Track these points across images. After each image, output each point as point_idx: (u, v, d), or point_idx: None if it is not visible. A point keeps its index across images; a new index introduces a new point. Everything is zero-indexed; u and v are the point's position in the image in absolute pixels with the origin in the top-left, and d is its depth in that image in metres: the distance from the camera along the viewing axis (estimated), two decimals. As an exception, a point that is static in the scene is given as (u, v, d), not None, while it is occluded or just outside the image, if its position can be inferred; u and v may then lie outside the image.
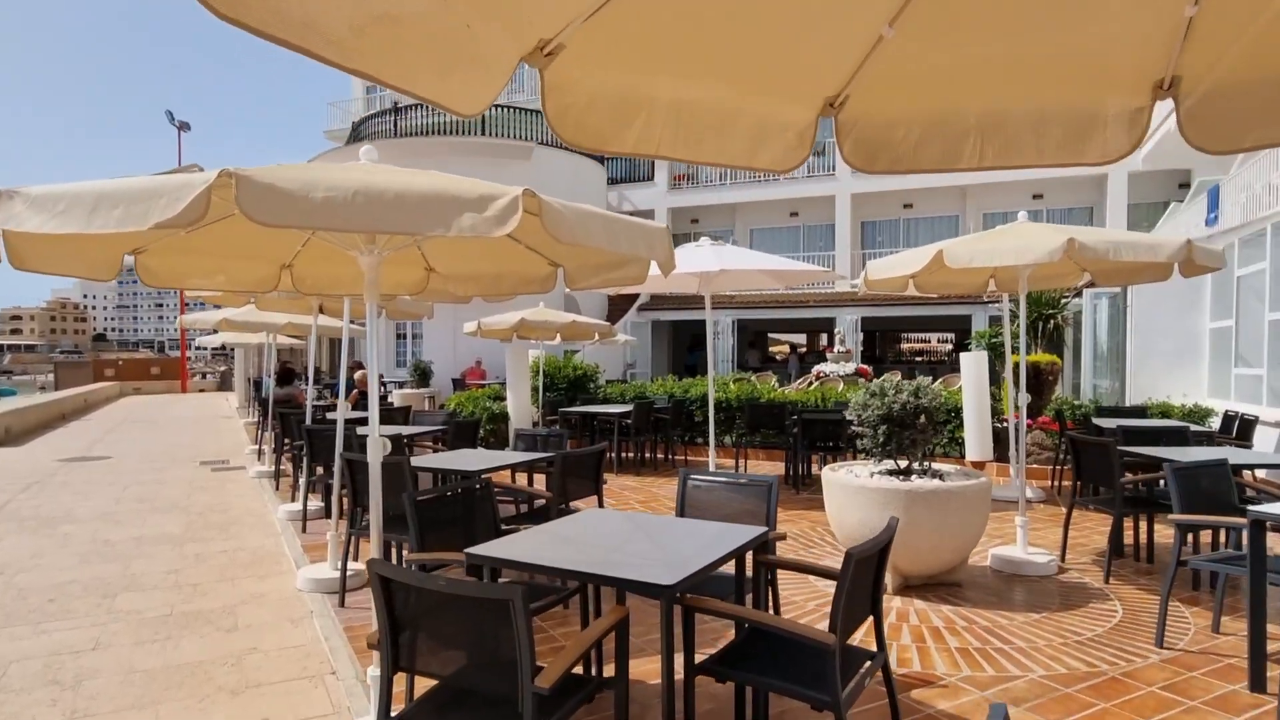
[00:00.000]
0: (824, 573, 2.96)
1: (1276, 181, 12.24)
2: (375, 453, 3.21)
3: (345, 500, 5.04)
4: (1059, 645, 3.95)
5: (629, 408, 9.95)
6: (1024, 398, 5.56)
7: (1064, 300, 14.17)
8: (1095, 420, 7.85)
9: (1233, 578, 4.20)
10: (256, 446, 11.58)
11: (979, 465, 9.67)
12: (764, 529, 3.08)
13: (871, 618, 2.70)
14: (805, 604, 4.59)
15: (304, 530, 6.65)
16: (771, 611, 3.37)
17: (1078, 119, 1.66)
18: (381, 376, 20.85)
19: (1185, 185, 20.53)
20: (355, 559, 5.51)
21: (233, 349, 26.23)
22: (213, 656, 3.93)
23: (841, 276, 9.10)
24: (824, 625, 3.77)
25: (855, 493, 4.76)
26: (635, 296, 23.40)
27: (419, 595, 2.09)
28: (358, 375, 11.22)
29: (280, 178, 2.00)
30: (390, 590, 2.14)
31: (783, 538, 3.48)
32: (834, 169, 23.46)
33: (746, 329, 26.51)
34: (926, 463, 5.02)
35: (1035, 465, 9.41)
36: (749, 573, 3.21)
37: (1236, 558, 3.83)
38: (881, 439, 4.89)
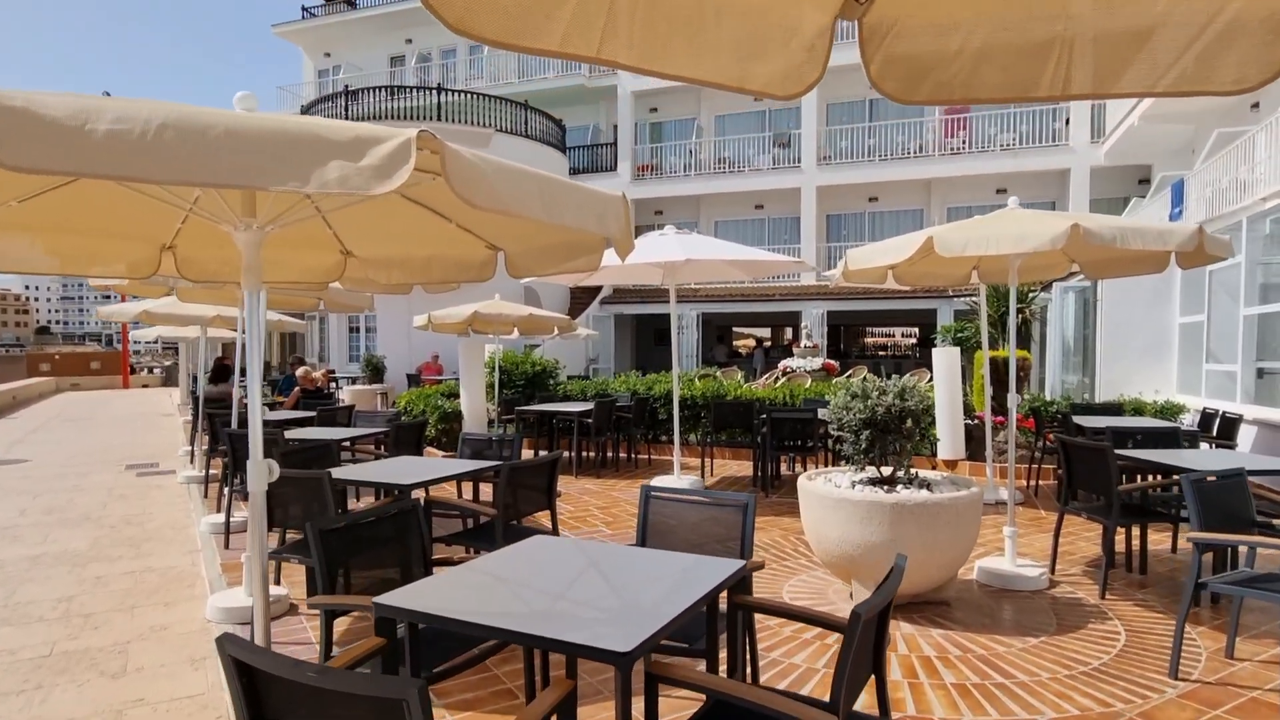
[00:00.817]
0: (815, 620, 2.47)
1: (1244, 177, 12.16)
2: (257, 480, 2.63)
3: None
4: (1065, 679, 3.53)
5: (589, 406, 9.42)
6: (1014, 398, 5.16)
7: (1031, 294, 14.00)
8: (1075, 419, 7.53)
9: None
10: (189, 448, 10.79)
11: (951, 464, 9.36)
12: (739, 563, 2.58)
13: (874, 677, 2.22)
14: (781, 629, 4.12)
15: (226, 546, 6.00)
16: (748, 655, 2.88)
17: (1216, 26, 1.18)
18: (333, 372, 20.00)
19: (1145, 181, 20.62)
20: (278, 582, 4.92)
21: (175, 342, 25.05)
22: (87, 712, 3.32)
23: (812, 268, 8.68)
24: (805, 665, 3.33)
25: (836, 505, 4.30)
26: (598, 289, 22.85)
27: (285, 688, 1.55)
28: (299, 372, 10.50)
29: (44, 103, 1.43)
30: (252, 679, 1.59)
31: (760, 566, 2.99)
32: (799, 161, 23.15)
33: (710, 323, 26.13)
34: (914, 470, 4.59)
35: (1007, 464, 9.12)
36: (722, 607, 2.73)
37: (1262, 579, 3.45)
38: (864, 445, 4.44)
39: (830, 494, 4.35)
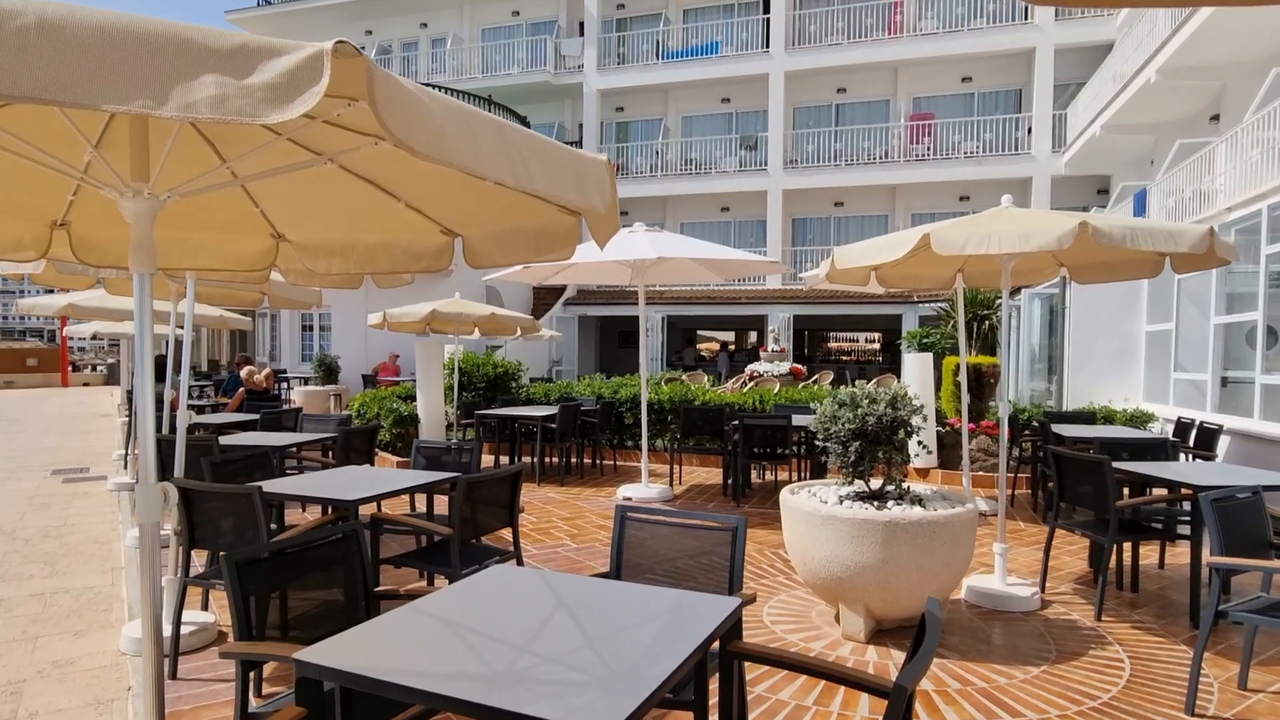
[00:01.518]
0: (841, 679, 2.10)
1: (1208, 187, 12.26)
2: (147, 508, 2.19)
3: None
4: (1075, 716, 3.24)
5: (553, 410, 9.00)
6: (1004, 408, 4.90)
7: (998, 300, 13.96)
8: (1055, 428, 7.35)
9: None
10: (123, 452, 10.10)
11: (922, 473, 9.16)
12: (733, 602, 2.22)
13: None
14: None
15: (153, 563, 5.46)
16: (736, 712, 2.52)
17: None
18: (283, 371, 19.24)
19: (1104, 191, 20.90)
20: (206, 607, 4.43)
21: (118, 338, 23.94)
22: (-39, 772, 2.83)
23: (786, 269, 8.41)
24: (794, 701, 2.98)
25: (824, 524, 3.97)
26: (562, 289, 22.41)
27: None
28: (244, 371, 9.88)
29: None
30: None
31: (752, 600, 2.63)
32: (765, 164, 23.00)
33: (676, 326, 25.85)
34: (906, 484, 4.29)
35: (980, 473, 8.96)
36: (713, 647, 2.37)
37: (1282, 607, 3.20)
38: (853, 458, 4.12)
39: (817, 511, 4.02)
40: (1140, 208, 15.10)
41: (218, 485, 3.70)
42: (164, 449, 5.55)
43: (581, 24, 24.73)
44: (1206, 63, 13.21)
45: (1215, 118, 14.70)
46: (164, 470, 5.61)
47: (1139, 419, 9.62)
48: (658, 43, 24.08)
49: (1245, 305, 9.29)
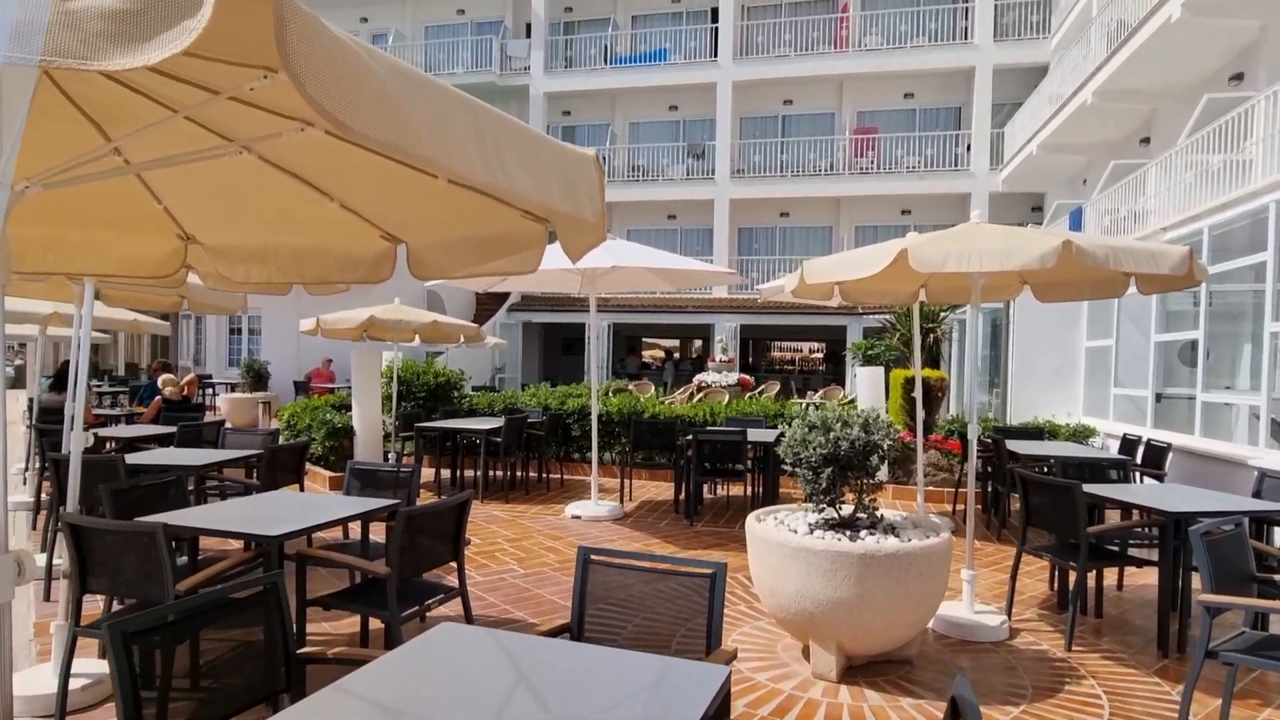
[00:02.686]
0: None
1: (1142, 207, 12.61)
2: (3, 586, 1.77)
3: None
4: (1063, 764, 3.06)
5: (498, 423, 8.59)
6: (974, 429, 4.74)
7: (943, 315, 14.13)
8: (1009, 445, 7.30)
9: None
10: (24, 466, 9.26)
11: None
12: (722, 672, 1.93)
13: None
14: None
15: (47, 598, 4.89)
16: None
17: None
18: (209, 377, 18.23)
19: (1038, 209, 21.50)
20: (103, 655, 3.92)
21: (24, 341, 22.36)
22: None
23: (742, 279, 8.23)
24: None
25: (795, 556, 3.72)
26: (506, 295, 21.87)
27: None
28: (162, 379, 9.17)
29: None
30: None
31: (734, 656, 2.35)
32: (713, 172, 22.96)
33: (620, 333, 25.56)
34: (879, 511, 4.08)
35: (931, 488, 8.92)
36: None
37: (1270, 644, 3.08)
38: (825, 484, 3.89)
39: (787, 541, 3.77)
40: (1076, 225, 15.51)
41: (114, 523, 3.23)
42: (61, 471, 4.98)
43: (528, 25, 24.31)
44: (1139, 87, 13.63)
45: (1146, 140, 15.19)
46: (60, 495, 5.06)
47: (1081, 434, 9.74)
48: (606, 47, 23.83)
49: (1182, 323, 9.51)
